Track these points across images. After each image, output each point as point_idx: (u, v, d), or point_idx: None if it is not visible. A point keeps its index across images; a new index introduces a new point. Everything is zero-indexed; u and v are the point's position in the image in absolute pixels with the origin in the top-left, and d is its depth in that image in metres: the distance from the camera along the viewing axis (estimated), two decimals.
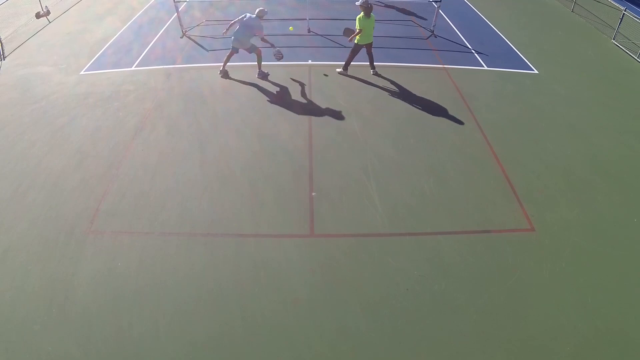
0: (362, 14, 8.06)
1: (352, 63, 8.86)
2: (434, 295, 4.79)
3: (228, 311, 4.57)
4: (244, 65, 9.31)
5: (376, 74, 9.00)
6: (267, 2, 12.78)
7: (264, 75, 8.90)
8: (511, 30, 11.48)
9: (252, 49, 8.52)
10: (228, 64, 8.89)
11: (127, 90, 8.46)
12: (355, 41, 8.42)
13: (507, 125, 7.64)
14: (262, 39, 8.30)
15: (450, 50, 10.33)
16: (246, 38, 8.31)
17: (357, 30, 8.23)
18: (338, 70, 9.02)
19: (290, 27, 9.40)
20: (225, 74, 8.90)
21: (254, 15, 8.14)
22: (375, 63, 8.96)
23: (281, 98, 8.26)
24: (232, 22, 8.36)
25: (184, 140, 7.09)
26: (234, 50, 8.58)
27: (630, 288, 4.90)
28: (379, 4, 12.80)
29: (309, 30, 11.02)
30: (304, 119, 7.66)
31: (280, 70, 9.18)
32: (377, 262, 5.13)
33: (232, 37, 8.39)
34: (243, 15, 8.25)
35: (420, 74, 9.22)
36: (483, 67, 9.60)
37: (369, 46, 8.59)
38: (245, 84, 8.71)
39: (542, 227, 5.65)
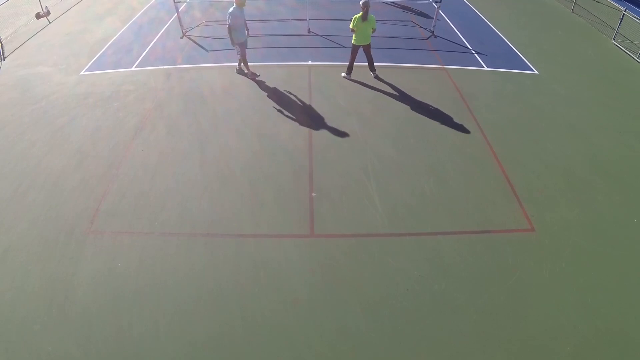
0: (360, 14, 8.02)
1: (354, 64, 8.83)
2: (434, 295, 4.79)
3: (228, 311, 4.57)
4: None
5: (377, 77, 8.94)
6: (267, 3, 12.80)
7: (242, 72, 8.98)
8: (511, 30, 11.49)
9: (244, 45, 8.47)
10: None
11: (127, 91, 8.47)
12: (352, 41, 8.40)
13: (507, 125, 7.64)
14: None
15: (450, 50, 10.33)
16: (243, 32, 8.26)
17: (351, 29, 8.24)
18: (343, 74, 8.96)
19: None
20: (253, 75, 8.85)
21: (234, 7, 7.91)
22: (375, 64, 8.93)
23: (281, 98, 8.26)
24: (228, 25, 8.00)
25: (184, 140, 7.09)
26: (246, 45, 8.55)
27: (630, 288, 4.90)
28: (383, 3, 12.81)
29: (309, 31, 11.02)
30: (304, 118, 7.66)
31: (280, 70, 9.19)
32: (377, 262, 5.13)
33: (238, 36, 8.23)
34: (232, 14, 7.91)
35: (420, 74, 9.22)
36: (483, 67, 9.60)
37: (366, 48, 8.53)
38: (245, 84, 8.72)
39: (542, 227, 5.65)
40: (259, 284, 4.86)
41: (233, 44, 8.32)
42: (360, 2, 7.94)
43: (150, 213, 5.74)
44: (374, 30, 8.30)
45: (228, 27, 8.01)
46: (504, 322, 4.51)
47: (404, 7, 12.79)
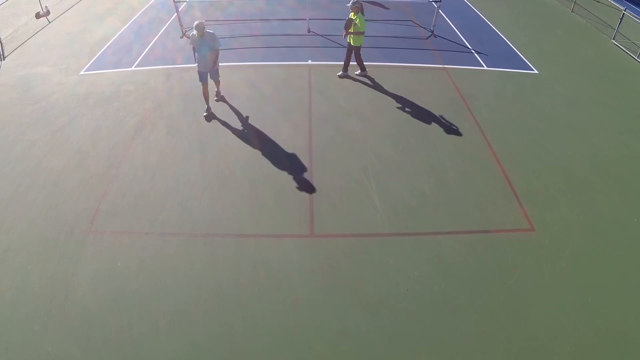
0: (360, 14, 7.96)
1: (351, 63, 8.80)
2: (434, 295, 4.78)
3: (228, 311, 4.57)
4: (243, 66, 9.32)
5: (344, 76, 8.93)
6: (267, 3, 12.80)
7: (220, 99, 7.99)
8: (511, 30, 11.48)
9: (215, 73, 7.56)
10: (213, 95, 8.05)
11: (127, 91, 8.46)
12: (353, 43, 8.29)
13: (507, 125, 7.64)
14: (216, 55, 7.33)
15: (450, 50, 10.33)
16: (200, 60, 7.24)
17: (361, 32, 8.08)
18: (356, 72, 8.95)
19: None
20: (211, 115, 7.67)
21: (195, 32, 6.88)
22: (375, 63, 8.93)
23: (281, 98, 8.26)
24: (192, 47, 7.22)
25: (184, 140, 7.08)
26: (204, 78, 7.41)
27: (630, 288, 4.90)
28: (374, 4, 12.78)
29: (308, 30, 11.02)
30: (304, 119, 7.66)
31: (280, 70, 9.18)
32: (377, 262, 5.13)
33: (199, 63, 7.26)
34: (191, 38, 7.11)
35: (420, 74, 9.22)
36: (483, 67, 9.60)
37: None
38: (245, 84, 8.71)
39: (542, 227, 5.64)
40: (259, 284, 4.86)
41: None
42: (349, 5, 7.87)
43: (150, 213, 5.74)
44: None
45: (192, 48, 7.28)
46: (504, 322, 4.52)
47: (374, 3, 12.71)
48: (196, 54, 7.21)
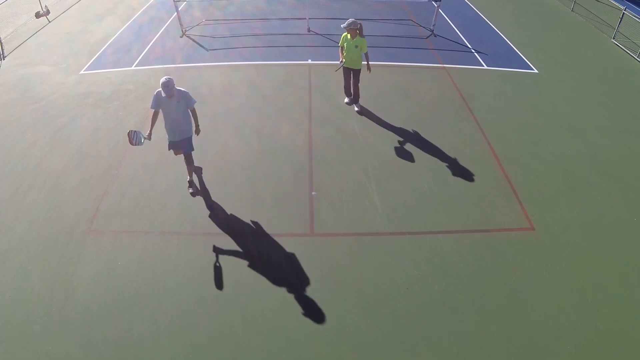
0: (359, 36, 7.02)
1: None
2: (434, 295, 4.79)
3: (228, 311, 4.57)
4: (243, 65, 9.31)
5: (360, 109, 7.99)
6: (267, 2, 12.79)
7: (196, 190, 6.06)
8: (511, 30, 11.48)
9: (188, 145, 5.67)
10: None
11: (127, 90, 8.46)
12: (358, 65, 7.42)
13: (507, 125, 7.64)
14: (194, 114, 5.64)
15: (450, 49, 10.32)
16: (187, 120, 5.60)
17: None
18: (356, 108, 7.92)
19: None
20: (196, 189, 6.07)
21: (162, 92, 5.26)
22: (374, 62, 8.83)
23: (281, 98, 8.25)
24: (154, 112, 5.48)
25: None
26: (176, 148, 5.77)
27: (630, 288, 4.90)
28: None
29: (308, 30, 11.02)
30: (304, 118, 7.65)
31: (280, 70, 9.18)
32: (377, 262, 5.13)
33: (168, 130, 5.61)
34: (156, 98, 5.38)
35: (420, 73, 9.22)
36: (483, 66, 9.60)
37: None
38: (245, 84, 8.70)
39: (542, 227, 5.64)
40: (258, 283, 4.86)
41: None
42: (346, 26, 6.93)
43: (150, 213, 5.74)
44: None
45: (153, 112, 5.50)
46: (504, 322, 4.52)
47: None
48: (165, 120, 5.51)
